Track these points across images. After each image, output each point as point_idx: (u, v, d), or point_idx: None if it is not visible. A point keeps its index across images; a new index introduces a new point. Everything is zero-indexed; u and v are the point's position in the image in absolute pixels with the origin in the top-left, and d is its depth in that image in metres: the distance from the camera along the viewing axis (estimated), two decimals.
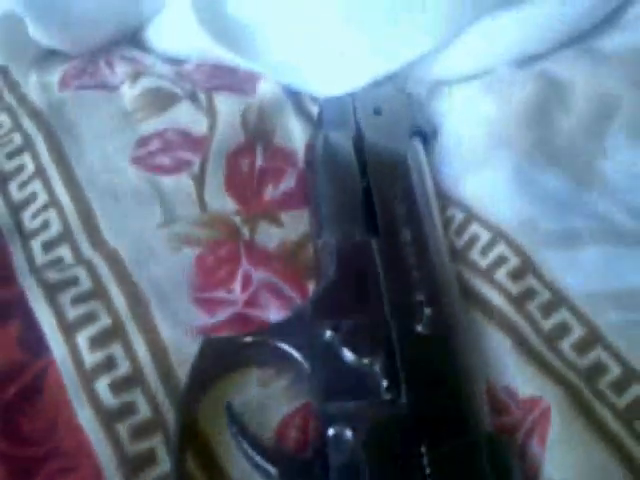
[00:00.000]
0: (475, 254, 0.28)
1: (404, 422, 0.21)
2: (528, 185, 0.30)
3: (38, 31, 0.34)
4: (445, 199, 0.30)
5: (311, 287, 0.27)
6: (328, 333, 0.23)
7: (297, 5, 0.36)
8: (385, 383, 0.22)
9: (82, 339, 0.24)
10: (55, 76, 0.35)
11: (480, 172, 0.31)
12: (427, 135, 0.33)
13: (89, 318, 0.25)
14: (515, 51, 0.36)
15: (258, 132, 0.33)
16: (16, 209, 0.28)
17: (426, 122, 0.34)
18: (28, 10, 0.33)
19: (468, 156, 0.32)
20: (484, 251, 0.28)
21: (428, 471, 0.20)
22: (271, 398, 0.25)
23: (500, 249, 0.27)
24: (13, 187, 0.29)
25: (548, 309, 0.25)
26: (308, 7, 0.35)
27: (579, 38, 0.36)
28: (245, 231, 0.29)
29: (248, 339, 0.25)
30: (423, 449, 0.21)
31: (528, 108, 0.33)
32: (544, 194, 0.29)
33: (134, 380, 0.24)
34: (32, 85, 0.35)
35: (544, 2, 0.35)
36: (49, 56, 0.37)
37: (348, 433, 0.21)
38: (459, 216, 0.29)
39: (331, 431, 0.21)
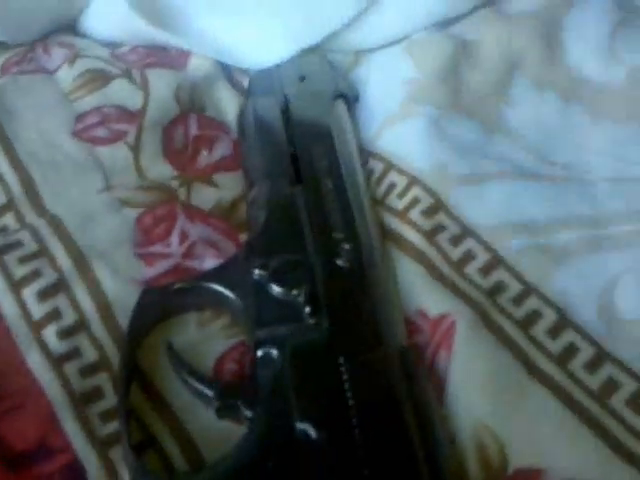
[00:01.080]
0: (393, 199, 0.30)
1: (325, 341, 0.24)
2: (440, 135, 0.32)
3: None
4: (367, 153, 0.33)
5: (244, 240, 0.30)
6: (257, 271, 0.26)
7: None
8: (308, 309, 0.24)
9: (29, 293, 0.26)
10: None
11: (397, 127, 0.33)
12: (350, 99, 0.36)
13: (34, 275, 0.27)
14: (430, 17, 0.39)
15: (191, 104, 0.35)
16: None
17: (349, 87, 0.37)
18: None
19: (387, 114, 0.34)
20: (400, 195, 0.30)
21: (346, 380, 0.23)
22: (209, 338, 0.27)
23: (415, 192, 0.30)
24: None
25: (456, 240, 0.28)
26: None
27: (490, 2, 0.39)
28: (182, 193, 0.31)
29: (183, 285, 0.27)
30: (342, 361, 0.23)
31: (442, 67, 0.36)
32: (454, 142, 0.32)
33: (79, 327, 0.26)
34: None
35: None
36: None
37: (274, 352, 0.24)
38: (379, 167, 0.32)
39: (259, 352, 0.24)
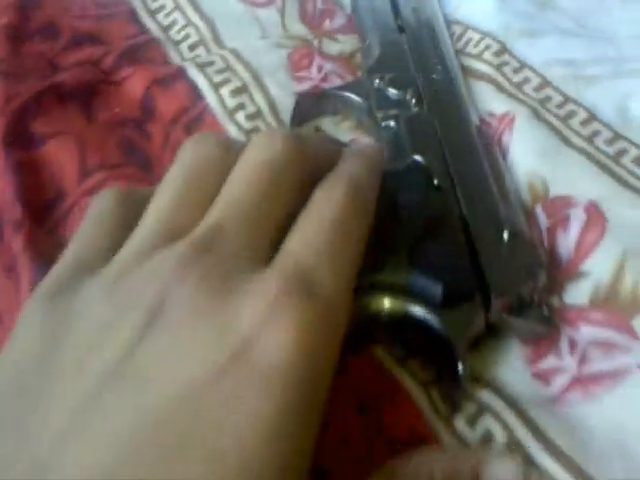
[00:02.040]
0: (470, 48, 0.42)
1: (425, 118, 0.36)
2: (504, 6, 0.44)
3: None
4: (449, 21, 0.44)
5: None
6: (377, 81, 0.38)
7: None
8: (414, 101, 0.36)
9: (224, 92, 0.39)
10: None
11: (472, 1, 0.45)
12: None
13: (226, 81, 0.39)
14: None
15: None
16: (165, 29, 0.43)
17: None
18: None
19: None
20: (475, 45, 0.42)
21: (442, 142, 0.34)
22: (340, 134, 0.39)
23: (486, 42, 0.42)
24: (161, 17, 0.44)
25: (516, 70, 0.39)
26: None
27: None
28: (315, 43, 0.43)
29: (325, 91, 0.39)
30: (438, 128, 0.35)
31: None
32: (516, 11, 0.44)
33: (258, 115, 0.38)
34: None
35: None
36: None
37: (392, 123, 0.36)
38: (459, 29, 0.44)
39: (383, 124, 0.36)
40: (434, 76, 0.38)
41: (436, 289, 0.28)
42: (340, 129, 0.39)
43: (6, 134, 0.34)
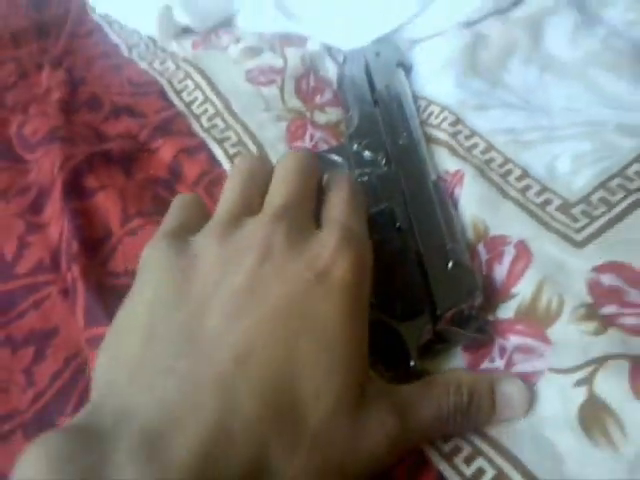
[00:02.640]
0: (432, 119, 0.52)
1: (393, 175, 0.46)
2: (462, 86, 0.54)
3: (180, 15, 0.59)
4: (416, 97, 0.55)
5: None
6: (355, 146, 0.47)
7: None
8: (384, 162, 0.46)
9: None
10: (188, 43, 0.60)
11: (435, 82, 0.55)
12: (407, 66, 0.58)
13: (239, 152, 0.49)
14: (461, 17, 0.61)
15: (310, 68, 0.58)
16: (188, 104, 0.53)
17: (406, 60, 0.59)
18: (177, 3, 0.59)
19: (430, 76, 0.56)
20: (436, 116, 0.52)
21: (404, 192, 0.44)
22: None
23: (444, 114, 0.52)
24: (184, 95, 0.54)
25: (468, 137, 0.50)
26: None
27: (497, 11, 0.61)
28: (307, 115, 0.54)
29: (317, 154, 0.49)
30: (402, 183, 0.45)
31: (466, 48, 0.58)
32: (471, 90, 0.54)
33: None
34: (175, 47, 0.60)
35: None
36: (180, 33, 0.62)
37: (366, 179, 0.46)
38: (423, 104, 0.54)
39: (357, 173, 0.46)
40: (401, 142, 0.48)
41: (397, 306, 0.37)
42: None
43: (64, 187, 0.44)
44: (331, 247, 0.31)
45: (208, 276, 0.30)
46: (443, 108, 0.52)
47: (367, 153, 0.47)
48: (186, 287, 0.29)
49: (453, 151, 0.49)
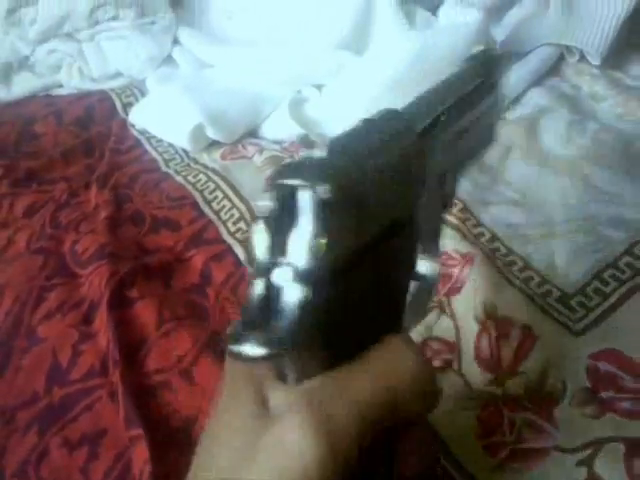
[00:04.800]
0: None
1: None
2: (470, 180, 0.59)
3: (211, 131, 0.67)
4: None
5: None
6: None
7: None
8: None
9: None
10: (217, 154, 0.68)
11: None
12: None
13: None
14: None
15: None
16: (217, 212, 0.59)
17: None
18: (208, 122, 0.66)
19: None
20: None
21: None
22: None
23: (455, 201, 0.57)
24: (214, 204, 0.60)
25: (475, 226, 0.54)
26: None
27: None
28: None
29: None
30: None
31: None
32: (477, 184, 0.59)
33: None
34: (205, 159, 0.67)
35: None
36: (211, 144, 0.69)
37: None
38: None
39: None
40: None
41: None
42: None
43: (110, 299, 0.50)
44: None
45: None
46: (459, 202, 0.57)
47: None
48: None
49: (463, 235, 0.53)
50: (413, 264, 0.31)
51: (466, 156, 0.36)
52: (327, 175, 0.23)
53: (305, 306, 0.23)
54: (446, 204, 0.35)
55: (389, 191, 0.27)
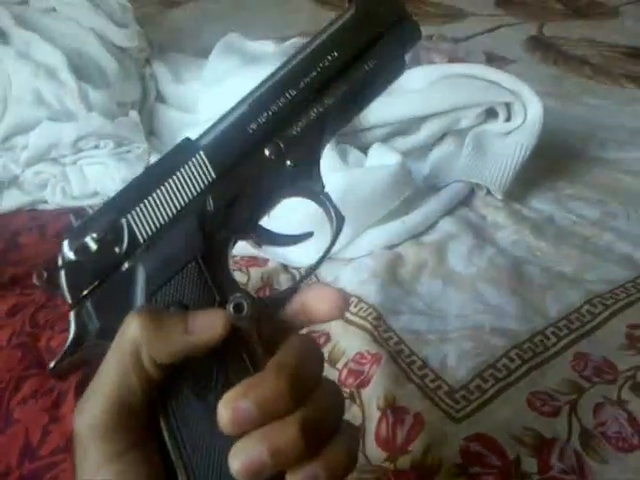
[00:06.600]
0: (361, 312, 0.69)
1: None
2: (384, 293, 0.71)
3: None
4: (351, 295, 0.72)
5: None
6: None
7: None
8: None
9: None
10: None
11: (365, 288, 0.73)
12: None
13: None
14: (384, 242, 0.80)
15: (267, 283, 0.76)
16: None
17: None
18: None
19: (359, 283, 0.74)
20: (365, 310, 0.69)
21: None
22: None
23: (370, 310, 0.69)
24: None
25: (386, 332, 0.66)
26: None
27: (412, 237, 0.81)
28: None
29: None
30: None
31: (387, 265, 0.76)
32: (390, 296, 0.71)
33: None
34: None
35: None
36: None
37: None
38: (355, 299, 0.71)
39: None
40: None
41: None
42: None
43: (76, 387, 0.59)
44: None
45: None
46: (369, 306, 0.69)
47: None
48: None
49: (374, 338, 0.65)
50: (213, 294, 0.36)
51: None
52: None
53: None
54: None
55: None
